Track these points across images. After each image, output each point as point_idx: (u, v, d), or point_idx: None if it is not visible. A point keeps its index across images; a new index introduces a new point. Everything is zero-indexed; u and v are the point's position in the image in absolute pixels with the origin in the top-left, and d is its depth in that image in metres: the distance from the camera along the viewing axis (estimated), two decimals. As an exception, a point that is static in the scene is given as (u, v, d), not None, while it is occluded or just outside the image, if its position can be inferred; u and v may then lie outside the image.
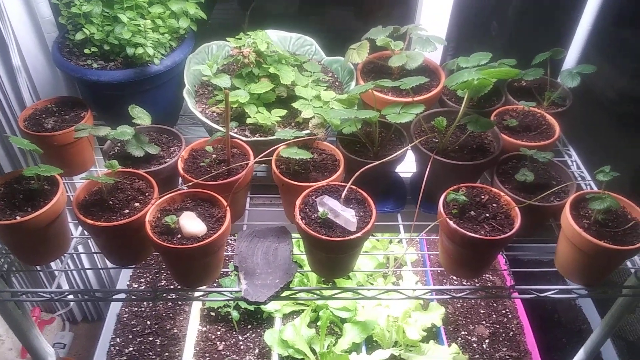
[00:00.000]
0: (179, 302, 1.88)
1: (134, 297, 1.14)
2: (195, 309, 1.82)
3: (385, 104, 1.14)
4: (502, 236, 0.95)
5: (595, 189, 1.25)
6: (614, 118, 1.66)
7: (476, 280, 1.87)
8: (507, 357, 1.73)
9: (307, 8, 1.77)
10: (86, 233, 1.19)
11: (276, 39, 1.38)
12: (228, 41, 1.28)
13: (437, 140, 1.17)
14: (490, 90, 1.12)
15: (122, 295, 1.13)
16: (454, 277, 1.95)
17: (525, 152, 1.12)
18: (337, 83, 1.34)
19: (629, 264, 1.14)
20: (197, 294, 1.05)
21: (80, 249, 1.65)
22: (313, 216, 0.98)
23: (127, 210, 0.98)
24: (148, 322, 1.82)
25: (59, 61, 1.20)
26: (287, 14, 1.77)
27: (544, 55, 1.30)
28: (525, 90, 1.38)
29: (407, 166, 1.25)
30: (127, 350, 1.74)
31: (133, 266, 1.09)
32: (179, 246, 0.91)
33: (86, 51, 1.20)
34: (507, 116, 1.28)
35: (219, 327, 1.79)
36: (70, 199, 1.04)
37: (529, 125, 1.25)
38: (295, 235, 1.07)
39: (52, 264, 1.54)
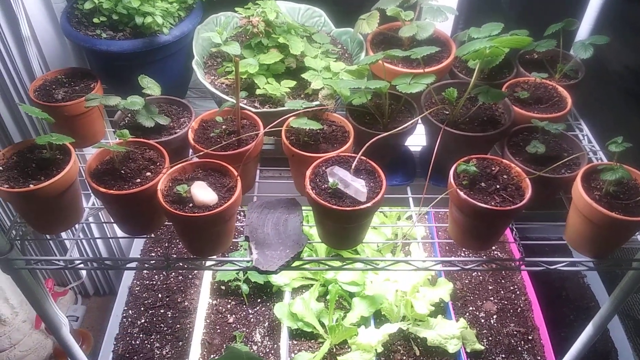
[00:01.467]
0: (189, 276, 1.90)
1: (146, 265, 1.16)
2: (206, 283, 1.84)
3: (395, 76, 1.13)
4: (513, 207, 0.95)
5: (606, 162, 1.24)
6: (626, 93, 1.64)
7: (484, 255, 1.88)
8: (515, 332, 1.74)
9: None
10: (97, 204, 1.20)
11: (285, 10, 1.37)
12: (236, 12, 1.27)
13: (447, 112, 1.16)
14: (501, 62, 1.11)
15: (135, 264, 1.14)
16: (462, 253, 1.96)
17: (536, 124, 1.11)
18: (346, 55, 1.33)
19: (639, 237, 1.13)
20: (208, 263, 1.06)
21: (92, 219, 1.67)
22: (323, 186, 0.98)
23: (138, 180, 0.99)
24: (159, 295, 1.84)
25: (68, 31, 1.20)
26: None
27: (556, 26, 1.28)
28: (537, 62, 1.36)
29: (416, 140, 1.25)
30: (139, 322, 1.77)
31: (145, 236, 1.11)
32: (190, 214, 0.91)
33: (95, 21, 1.20)
34: (518, 88, 1.26)
35: (229, 301, 1.82)
36: (82, 170, 1.05)
37: (540, 98, 1.24)
38: (304, 208, 1.07)
39: (64, 234, 1.56)
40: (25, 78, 1.37)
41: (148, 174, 1.00)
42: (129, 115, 1.16)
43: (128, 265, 1.10)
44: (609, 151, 1.03)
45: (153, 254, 1.97)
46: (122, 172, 1.00)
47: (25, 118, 1.44)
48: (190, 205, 0.94)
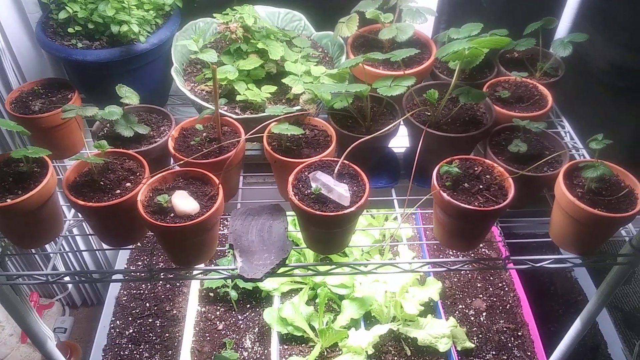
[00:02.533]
0: (177, 283, 1.88)
1: (130, 277, 1.15)
2: (194, 290, 1.82)
3: (376, 78, 1.13)
4: (496, 207, 0.95)
5: (588, 158, 1.25)
6: (607, 88, 1.65)
7: (472, 254, 1.88)
8: (505, 328, 1.75)
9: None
10: (79, 215, 1.18)
11: (264, 15, 1.36)
12: (215, 17, 1.26)
13: (429, 114, 1.15)
14: (482, 62, 1.11)
15: (119, 276, 1.12)
16: (451, 252, 1.96)
17: (518, 123, 1.11)
18: (327, 58, 1.33)
19: (623, 232, 1.14)
20: (193, 272, 1.05)
21: (76, 231, 1.65)
22: (306, 192, 0.97)
23: (118, 191, 0.97)
24: (147, 304, 1.82)
25: (43, 41, 1.18)
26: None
27: (535, 25, 1.29)
28: (517, 61, 1.37)
29: (400, 141, 1.24)
30: (127, 332, 1.75)
31: (127, 247, 1.09)
32: (172, 224, 0.90)
33: (70, 30, 1.18)
34: (499, 87, 1.27)
35: (218, 307, 1.80)
36: (61, 182, 1.03)
37: (521, 96, 1.24)
38: (291, 213, 1.06)
39: (48, 247, 1.54)
40: (2, 89, 1.35)
41: (128, 184, 0.99)
42: (108, 125, 1.14)
43: (112, 278, 1.09)
44: (590, 148, 1.04)
45: (140, 263, 1.95)
46: (101, 183, 0.98)
47: (4, 130, 1.42)
48: (172, 215, 0.93)
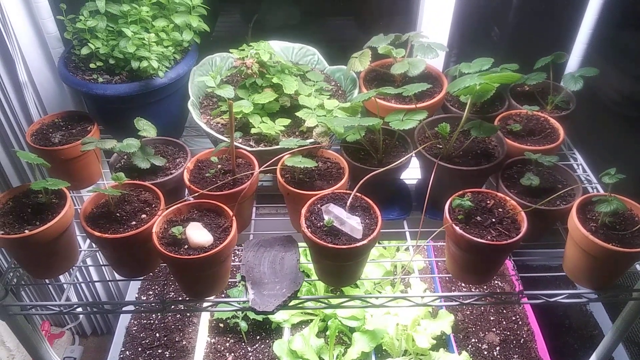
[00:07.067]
0: (188, 314, 1.88)
1: (142, 309, 1.15)
2: (204, 321, 1.82)
3: (388, 111, 1.15)
4: (509, 241, 0.95)
5: (601, 191, 1.24)
6: (618, 120, 1.66)
7: (485, 287, 1.86)
8: (519, 364, 1.71)
9: (308, 18, 1.79)
10: (94, 246, 1.20)
11: (279, 49, 1.40)
12: (231, 53, 1.29)
13: (441, 146, 1.16)
14: (493, 95, 1.12)
15: (131, 307, 1.13)
16: (463, 284, 1.94)
17: (530, 157, 1.11)
18: (340, 92, 1.35)
19: (638, 266, 1.13)
20: (204, 304, 1.06)
21: (89, 261, 1.66)
22: (319, 224, 0.98)
23: (134, 222, 0.99)
24: (157, 335, 1.82)
25: (65, 76, 1.22)
26: (289, 25, 1.79)
27: (545, 60, 1.30)
28: (528, 94, 1.38)
29: (411, 173, 1.25)
30: (136, 363, 1.74)
31: (141, 278, 1.10)
32: (185, 257, 0.91)
33: (92, 66, 1.22)
34: (510, 121, 1.28)
35: (228, 339, 1.79)
36: (77, 212, 1.05)
37: (532, 130, 1.25)
38: (302, 244, 1.07)
39: (62, 277, 1.55)
40: (23, 122, 1.38)
41: (143, 216, 1.00)
42: (125, 156, 1.16)
43: (124, 309, 1.09)
44: (603, 182, 1.04)
45: (151, 292, 1.95)
46: (118, 214, 1.00)
47: (23, 162, 1.45)
48: (186, 247, 0.94)
